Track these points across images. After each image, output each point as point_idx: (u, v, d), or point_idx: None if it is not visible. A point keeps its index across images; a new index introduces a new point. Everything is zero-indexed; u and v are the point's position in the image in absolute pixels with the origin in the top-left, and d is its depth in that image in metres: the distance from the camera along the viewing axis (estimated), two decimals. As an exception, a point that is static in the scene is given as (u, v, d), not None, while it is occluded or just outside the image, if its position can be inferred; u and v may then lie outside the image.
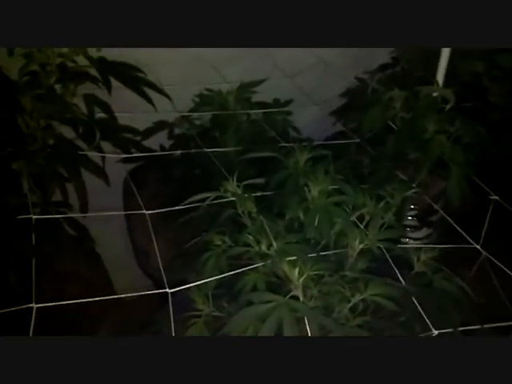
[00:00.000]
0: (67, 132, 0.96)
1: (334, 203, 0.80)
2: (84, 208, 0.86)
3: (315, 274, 0.71)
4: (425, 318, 0.70)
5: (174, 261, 1.00)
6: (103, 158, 0.96)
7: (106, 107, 0.99)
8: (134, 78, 1.03)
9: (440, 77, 1.08)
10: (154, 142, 1.26)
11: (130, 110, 1.10)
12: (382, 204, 0.82)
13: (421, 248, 0.87)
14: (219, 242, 0.85)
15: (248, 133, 1.19)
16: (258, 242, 0.77)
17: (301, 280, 0.71)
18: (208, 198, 0.85)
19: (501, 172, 1.06)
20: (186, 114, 1.19)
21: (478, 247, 0.85)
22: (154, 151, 1.23)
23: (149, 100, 1.04)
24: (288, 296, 0.69)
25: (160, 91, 1.09)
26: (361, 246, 0.76)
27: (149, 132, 1.25)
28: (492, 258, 0.85)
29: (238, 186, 0.88)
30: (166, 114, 1.21)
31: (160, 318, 0.75)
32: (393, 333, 0.73)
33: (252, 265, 0.77)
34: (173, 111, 1.19)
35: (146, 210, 0.91)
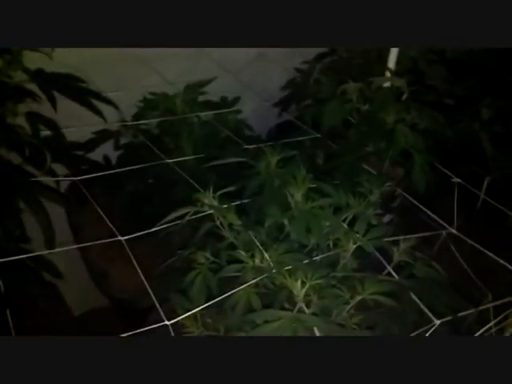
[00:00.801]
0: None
1: (319, 206, 0.79)
2: (51, 242, 0.78)
3: (319, 283, 0.70)
4: (424, 309, 0.72)
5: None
6: (57, 182, 0.87)
7: (51, 124, 0.90)
8: (77, 90, 0.95)
9: (391, 64, 1.09)
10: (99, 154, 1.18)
11: (70, 124, 1.01)
12: (365, 201, 0.82)
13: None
14: (203, 260, 0.81)
15: (202, 136, 1.14)
16: (252, 256, 0.74)
17: (303, 290, 0.69)
18: (187, 213, 0.80)
19: (458, 155, 1.11)
20: (137, 122, 1.11)
21: (454, 231, 0.88)
22: (103, 164, 1.15)
23: (98, 112, 0.95)
24: (296, 310, 0.67)
25: (106, 101, 1.00)
26: (354, 247, 0.76)
27: (92, 144, 1.16)
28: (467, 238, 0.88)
29: (214, 198, 0.84)
30: (111, 123, 1.13)
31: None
32: (393, 329, 0.74)
33: (245, 281, 0.74)
34: (118, 121, 1.12)
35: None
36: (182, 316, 0.68)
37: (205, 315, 0.82)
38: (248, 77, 1.41)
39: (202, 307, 0.71)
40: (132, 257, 0.74)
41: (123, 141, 1.20)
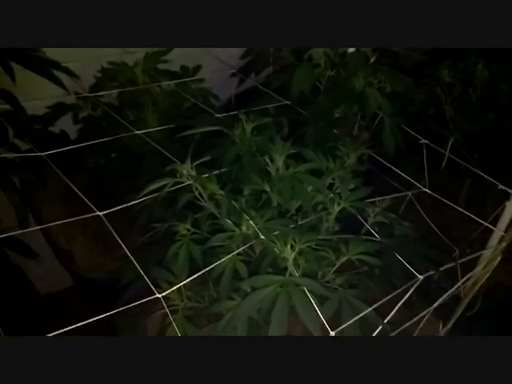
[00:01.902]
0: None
1: (302, 171, 0.79)
2: (24, 222, 0.73)
3: (307, 246, 0.70)
4: (407, 266, 0.74)
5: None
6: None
7: (10, 98, 0.84)
8: (42, 63, 0.88)
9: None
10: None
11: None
12: (344, 165, 0.82)
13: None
14: (185, 231, 0.79)
15: (166, 106, 1.10)
16: (238, 225, 0.73)
17: (293, 255, 0.69)
18: (166, 185, 0.78)
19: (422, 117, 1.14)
20: (96, 94, 1.06)
21: (427, 190, 0.91)
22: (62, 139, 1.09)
23: (59, 83, 0.90)
24: (288, 273, 0.67)
25: (66, 71, 0.95)
26: (338, 209, 0.77)
27: (51, 117, 1.09)
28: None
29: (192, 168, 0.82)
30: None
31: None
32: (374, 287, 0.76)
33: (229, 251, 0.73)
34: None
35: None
36: (172, 289, 0.67)
37: (191, 287, 0.82)
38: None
39: (189, 279, 0.69)
40: (114, 233, 0.71)
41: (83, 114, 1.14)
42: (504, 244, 0.83)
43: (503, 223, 0.84)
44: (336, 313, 0.69)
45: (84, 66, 1.05)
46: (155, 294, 0.64)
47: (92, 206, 0.74)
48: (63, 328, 0.56)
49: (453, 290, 0.80)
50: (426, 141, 1.01)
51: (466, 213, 0.88)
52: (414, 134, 1.02)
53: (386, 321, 0.69)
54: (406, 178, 0.92)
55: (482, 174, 0.91)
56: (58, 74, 0.92)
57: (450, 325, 1.01)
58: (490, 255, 0.87)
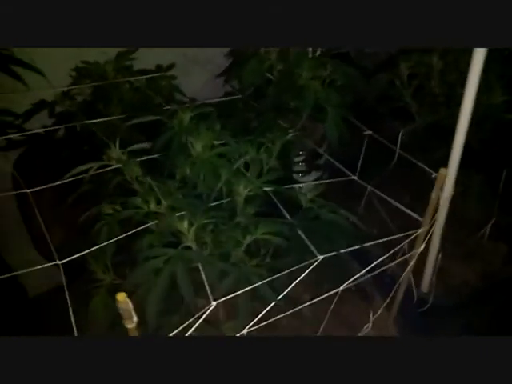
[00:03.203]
0: None
1: (218, 155, 0.83)
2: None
3: (206, 224, 0.74)
4: (310, 246, 0.76)
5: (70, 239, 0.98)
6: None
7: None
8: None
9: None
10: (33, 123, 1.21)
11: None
12: (262, 150, 0.85)
13: (308, 188, 0.93)
14: (110, 211, 0.85)
15: (132, 101, 1.17)
16: (147, 202, 0.78)
17: (191, 230, 0.73)
18: (91, 168, 0.84)
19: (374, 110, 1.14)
20: (66, 88, 1.15)
21: (355, 178, 0.92)
22: (35, 133, 1.18)
23: (18, 78, 0.99)
24: (180, 247, 0.71)
25: (31, 68, 1.04)
26: (246, 192, 0.80)
27: (29, 113, 1.19)
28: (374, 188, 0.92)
29: (123, 153, 0.88)
30: (44, 92, 1.16)
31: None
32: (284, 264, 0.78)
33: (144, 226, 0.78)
34: (51, 88, 1.15)
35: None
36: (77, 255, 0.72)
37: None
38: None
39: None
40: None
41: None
42: (421, 230, 0.82)
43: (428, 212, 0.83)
44: (232, 288, 0.72)
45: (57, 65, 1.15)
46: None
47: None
48: None
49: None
50: (370, 132, 1.02)
51: (394, 203, 0.89)
52: (359, 124, 1.04)
53: (279, 298, 0.72)
54: (338, 165, 0.93)
55: (417, 162, 0.91)
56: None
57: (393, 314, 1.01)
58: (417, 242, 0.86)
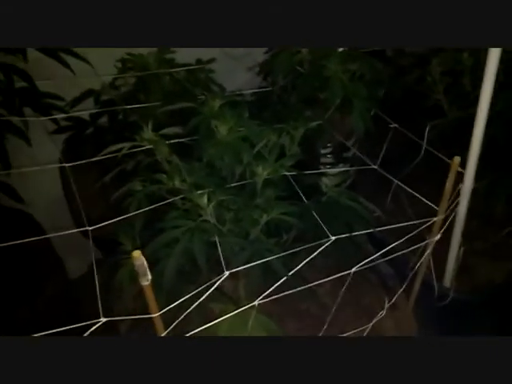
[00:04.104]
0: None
1: (241, 138, 0.88)
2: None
3: (225, 201, 0.78)
4: (324, 228, 0.79)
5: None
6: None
7: (24, 76, 1.03)
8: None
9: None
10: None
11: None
12: (284, 136, 0.89)
13: (331, 175, 0.96)
14: (140, 188, 0.91)
15: (171, 91, 1.24)
16: (172, 179, 0.83)
17: (211, 206, 0.78)
18: (123, 148, 0.91)
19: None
20: (111, 77, 1.23)
21: (376, 167, 0.94)
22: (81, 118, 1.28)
23: (67, 65, 1.08)
24: (199, 220, 0.76)
25: (79, 57, 1.12)
26: (264, 174, 0.84)
27: (77, 100, 1.28)
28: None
29: (156, 136, 0.94)
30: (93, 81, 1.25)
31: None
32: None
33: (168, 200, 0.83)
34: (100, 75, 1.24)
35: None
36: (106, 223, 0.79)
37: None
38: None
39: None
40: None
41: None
42: (436, 218, 0.83)
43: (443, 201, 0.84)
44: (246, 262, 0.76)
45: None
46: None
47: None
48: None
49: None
50: (396, 125, 1.03)
51: (413, 192, 0.90)
52: (385, 118, 1.05)
53: (290, 273, 0.75)
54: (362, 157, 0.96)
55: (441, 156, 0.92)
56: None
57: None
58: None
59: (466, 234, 1.02)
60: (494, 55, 0.79)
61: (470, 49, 1.10)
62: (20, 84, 1.06)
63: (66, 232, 0.78)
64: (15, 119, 0.96)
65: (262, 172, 0.83)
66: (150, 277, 0.60)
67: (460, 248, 1.00)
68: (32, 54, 1.06)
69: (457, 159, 0.79)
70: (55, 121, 1.18)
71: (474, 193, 0.92)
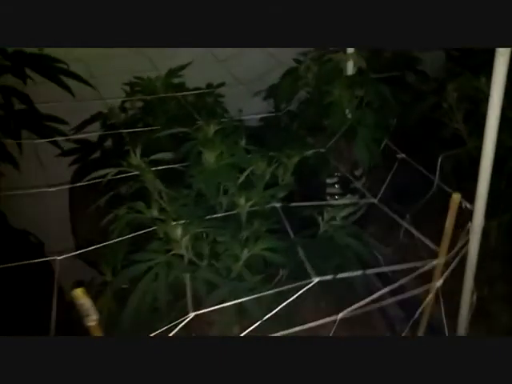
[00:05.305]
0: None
1: (229, 166, 0.82)
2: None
3: (202, 233, 0.73)
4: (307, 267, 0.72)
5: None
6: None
7: (24, 98, 1.02)
8: (52, 69, 1.06)
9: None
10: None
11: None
12: (274, 165, 0.84)
13: (328, 208, 0.89)
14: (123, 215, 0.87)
15: (174, 115, 1.21)
16: (149, 208, 0.79)
17: (185, 239, 0.73)
18: (108, 174, 0.87)
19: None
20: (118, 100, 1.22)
21: (375, 201, 0.86)
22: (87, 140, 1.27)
23: (67, 88, 1.07)
24: (169, 254, 0.71)
25: (82, 80, 1.11)
26: (248, 206, 0.78)
27: (85, 123, 1.28)
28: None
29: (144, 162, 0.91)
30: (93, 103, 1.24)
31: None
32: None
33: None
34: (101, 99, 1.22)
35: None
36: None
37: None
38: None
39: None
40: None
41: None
42: (436, 261, 0.75)
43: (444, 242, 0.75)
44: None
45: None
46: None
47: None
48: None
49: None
50: (403, 155, 0.96)
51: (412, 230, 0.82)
52: (393, 147, 0.98)
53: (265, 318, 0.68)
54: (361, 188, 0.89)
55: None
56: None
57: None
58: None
59: (480, 277, 0.92)
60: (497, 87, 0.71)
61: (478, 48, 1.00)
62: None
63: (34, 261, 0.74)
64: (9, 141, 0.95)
65: (245, 203, 0.77)
66: (95, 317, 0.55)
67: (473, 294, 0.90)
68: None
69: (457, 196, 0.70)
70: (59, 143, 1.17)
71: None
